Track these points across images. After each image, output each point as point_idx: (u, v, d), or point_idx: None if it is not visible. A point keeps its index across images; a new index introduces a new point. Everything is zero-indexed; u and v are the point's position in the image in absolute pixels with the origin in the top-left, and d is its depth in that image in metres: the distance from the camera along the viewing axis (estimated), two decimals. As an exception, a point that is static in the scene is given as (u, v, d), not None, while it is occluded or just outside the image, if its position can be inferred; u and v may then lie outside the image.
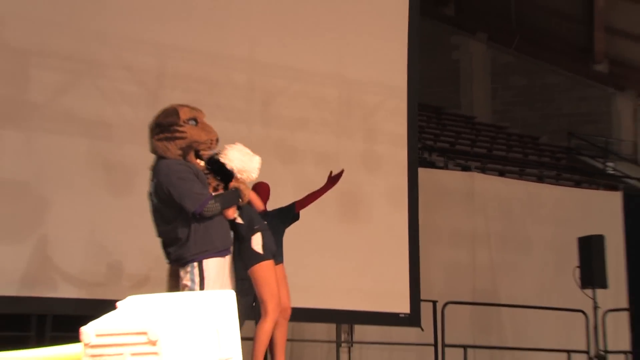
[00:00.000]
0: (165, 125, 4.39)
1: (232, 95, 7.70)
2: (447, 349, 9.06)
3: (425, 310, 8.66)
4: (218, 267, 4.35)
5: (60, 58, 6.89)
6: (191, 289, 4.27)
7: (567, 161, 15.40)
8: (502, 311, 10.55)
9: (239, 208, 4.77)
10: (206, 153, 4.52)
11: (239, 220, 4.93)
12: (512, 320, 10.59)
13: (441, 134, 14.64)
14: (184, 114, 4.41)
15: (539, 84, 16.70)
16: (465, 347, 9.39)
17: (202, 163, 4.50)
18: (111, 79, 7.09)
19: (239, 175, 4.62)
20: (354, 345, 8.75)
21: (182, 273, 4.35)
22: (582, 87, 16.44)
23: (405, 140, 8.51)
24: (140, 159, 7.03)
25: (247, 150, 4.73)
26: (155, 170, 4.42)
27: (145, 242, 6.80)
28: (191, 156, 4.44)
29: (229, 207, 4.53)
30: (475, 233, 10.84)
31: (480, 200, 10.94)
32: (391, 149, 8.33)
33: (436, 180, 10.57)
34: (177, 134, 4.38)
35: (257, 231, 4.97)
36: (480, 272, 10.75)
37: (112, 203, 6.90)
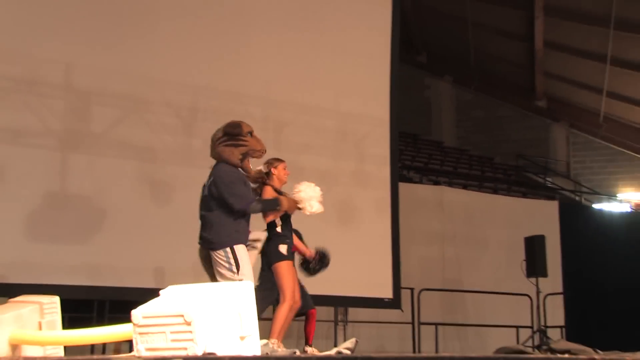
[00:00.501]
0: (232, 135, 4.46)
1: (250, 125, 7.65)
2: (422, 327, 9.01)
3: (404, 295, 8.62)
4: (246, 253, 4.33)
5: (116, 97, 6.88)
6: (229, 270, 4.23)
7: (516, 177, 15.37)
8: (466, 296, 10.50)
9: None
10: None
11: (279, 225, 4.95)
12: (473, 303, 10.54)
13: (417, 155, 14.62)
14: (245, 127, 4.52)
15: (493, 116, 16.70)
16: (436, 324, 9.33)
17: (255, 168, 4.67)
18: (155, 113, 7.07)
19: (300, 205, 4.70)
20: (348, 324, 8.69)
21: (215, 257, 4.30)
22: (527, 119, 16.43)
23: (389, 161, 8.50)
24: (178, 177, 7.05)
25: (317, 189, 4.89)
26: (215, 170, 4.45)
27: (182, 244, 6.79)
28: (247, 161, 4.52)
29: (267, 211, 4.59)
30: (444, 234, 10.82)
31: (448, 208, 10.92)
32: (377, 168, 8.31)
33: (413, 193, 10.54)
34: (241, 142, 4.46)
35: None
36: (448, 265, 10.72)
37: (156, 212, 6.88)
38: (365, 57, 8.51)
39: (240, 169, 4.48)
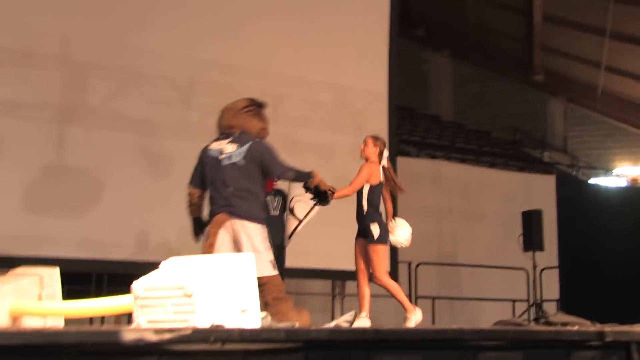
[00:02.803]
0: (260, 106, 4.48)
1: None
2: (418, 300, 9.07)
3: (401, 269, 8.67)
4: None
5: (113, 70, 6.84)
6: (266, 249, 4.16)
7: (513, 151, 15.38)
8: (462, 270, 10.56)
9: None
10: None
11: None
12: (469, 277, 10.60)
13: (414, 129, 14.58)
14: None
15: (490, 90, 16.65)
16: (433, 298, 9.40)
17: None
18: (152, 86, 7.04)
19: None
20: (345, 297, 8.74)
21: (251, 231, 4.15)
22: (524, 93, 16.39)
23: (386, 135, 8.47)
24: (176, 150, 7.04)
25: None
26: (246, 139, 4.29)
27: (181, 217, 6.80)
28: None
29: (299, 181, 4.57)
30: (441, 208, 10.84)
31: (445, 182, 10.93)
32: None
33: (410, 167, 10.53)
34: (263, 117, 4.47)
35: None
36: (444, 239, 10.77)
37: (153, 185, 6.88)
38: (363, 31, 8.47)
39: None
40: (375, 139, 5.44)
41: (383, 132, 8.43)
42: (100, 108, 6.75)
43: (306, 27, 8.10)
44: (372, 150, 5.36)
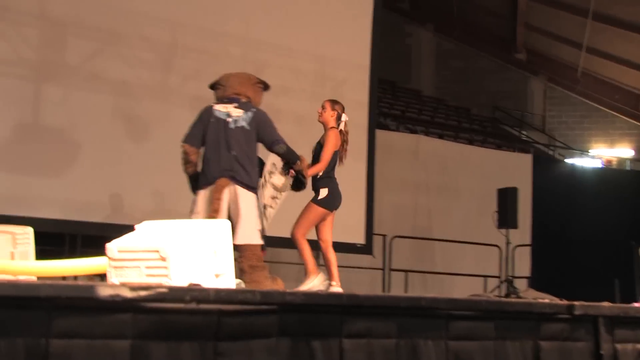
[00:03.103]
0: (266, 87, 4.64)
1: (228, 65, 7.44)
2: (392, 273, 9.16)
3: (376, 242, 8.72)
4: None
5: (92, 29, 6.73)
6: (259, 217, 4.33)
7: (491, 129, 15.45)
8: (435, 245, 10.64)
9: None
10: None
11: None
12: (442, 252, 10.68)
13: (395, 103, 14.55)
14: None
15: (472, 67, 16.66)
16: (406, 271, 9.49)
17: None
18: (132, 47, 6.94)
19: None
20: (321, 266, 8.78)
21: (248, 199, 4.28)
22: (505, 71, 16.43)
23: (367, 108, 8.49)
24: (155, 113, 6.98)
25: None
26: (250, 107, 4.43)
27: (157, 181, 6.76)
28: None
29: (287, 158, 4.62)
30: (418, 183, 10.87)
31: (423, 157, 10.95)
32: (355, 114, 8.25)
33: (389, 140, 10.54)
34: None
35: None
36: (420, 214, 10.81)
37: (131, 149, 6.82)
38: (347, 2, 8.41)
39: None
40: (334, 102, 5.37)
41: (364, 104, 8.46)
42: (78, 67, 6.64)
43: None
44: (329, 114, 5.29)
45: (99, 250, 2.86)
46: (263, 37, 7.74)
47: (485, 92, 16.42)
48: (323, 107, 5.33)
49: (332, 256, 5.29)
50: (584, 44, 13.68)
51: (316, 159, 5.22)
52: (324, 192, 5.16)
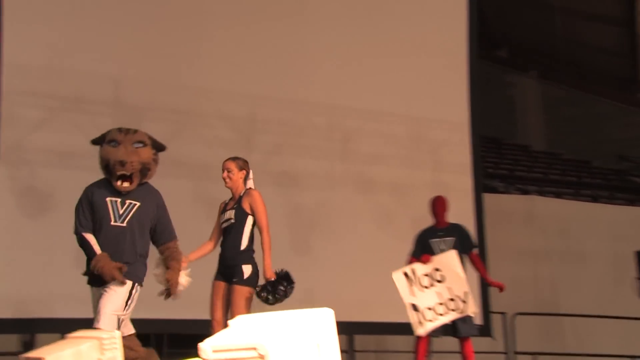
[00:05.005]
0: (159, 149, 4.68)
1: (314, 136, 7.77)
2: (517, 356, 8.87)
3: (495, 321, 8.51)
4: None
5: (167, 111, 7.06)
6: None
7: (619, 181, 14.99)
8: (564, 321, 10.28)
9: None
10: None
11: None
12: (574, 329, 10.31)
13: (501, 162, 14.46)
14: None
15: (588, 113, 16.36)
16: (534, 354, 9.16)
17: None
18: (210, 127, 7.22)
19: None
20: (432, 355, 8.62)
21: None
22: (628, 114, 16.05)
23: (470, 169, 8.46)
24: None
25: None
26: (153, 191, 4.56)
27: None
28: None
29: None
30: (537, 250, 10.66)
31: (539, 221, 10.76)
32: (457, 178, 8.27)
33: (498, 204, 10.42)
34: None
35: None
36: (542, 286, 10.55)
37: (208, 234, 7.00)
38: (438, 55, 8.51)
39: None
40: (237, 160, 5.17)
41: (466, 165, 8.43)
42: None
43: (374, 54, 8.19)
44: (239, 177, 5.10)
45: (189, 351, 2.92)
46: (349, 102, 7.92)
47: (606, 141, 16.02)
48: (229, 170, 5.11)
49: None
50: None
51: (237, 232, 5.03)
52: (247, 270, 4.95)
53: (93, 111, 6.68)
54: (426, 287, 5.85)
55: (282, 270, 5.00)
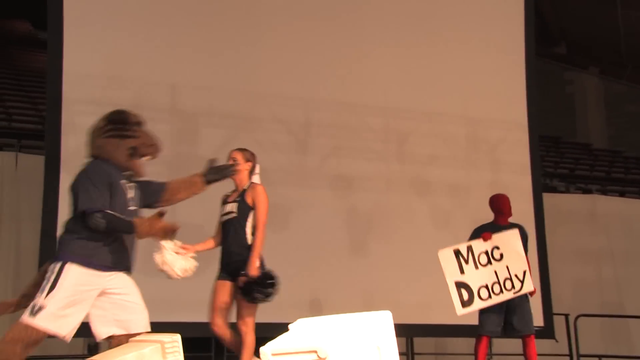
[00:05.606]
0: (118, 123, 4.29)
1: (369, 138, 7.76)
2: (582, 359, 8.72)
3: (558, 323, 8.38)
4: None
5: (223, 117, 7.14)
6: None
7: (685, 179, 14.62)
8: (630, 323, 10.07)
9: None
10: None
11: None
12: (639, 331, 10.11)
13: (561, 161, 14.27)
14: (132, 117, 4.38)
15: (652, 110, 16.05)
16: (599, 357, 8.99)
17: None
18: (266, 131, 7.27)
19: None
20: (493, 357, 8.53)
21: None
22: (694, 110, 15.68)
23: (529, 169, 8.35)
24: (292, 198, 7.21)
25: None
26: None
27: (304, 270, 6.91)
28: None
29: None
30: (600, 250, 10.50)
31: (602, 220, 10.60)
32: (516, 178, 8.17)
33: (559, 204, 10.30)
34: (129, 134, 4.33)
35: None
36: (606, 287, 10.37)
37: (271, 238, 7.03)
38: (495, 53, 8.43)
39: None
40: (244, 151, 5.02)
41: (525, 165, 8.32)
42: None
43: (429, 54, 8.15)
44: (244, 168, 4.95)
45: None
46: (404, 104, 7.89)
47: (671, 137, 15.68)
48: (234, 160, 4.94)
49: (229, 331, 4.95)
50: None
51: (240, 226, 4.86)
52: (256, 263, 4.81)
53: (150, 118, 6.78)
54: (482, 266, 5.75)
55: (264, 268, 4.90)
